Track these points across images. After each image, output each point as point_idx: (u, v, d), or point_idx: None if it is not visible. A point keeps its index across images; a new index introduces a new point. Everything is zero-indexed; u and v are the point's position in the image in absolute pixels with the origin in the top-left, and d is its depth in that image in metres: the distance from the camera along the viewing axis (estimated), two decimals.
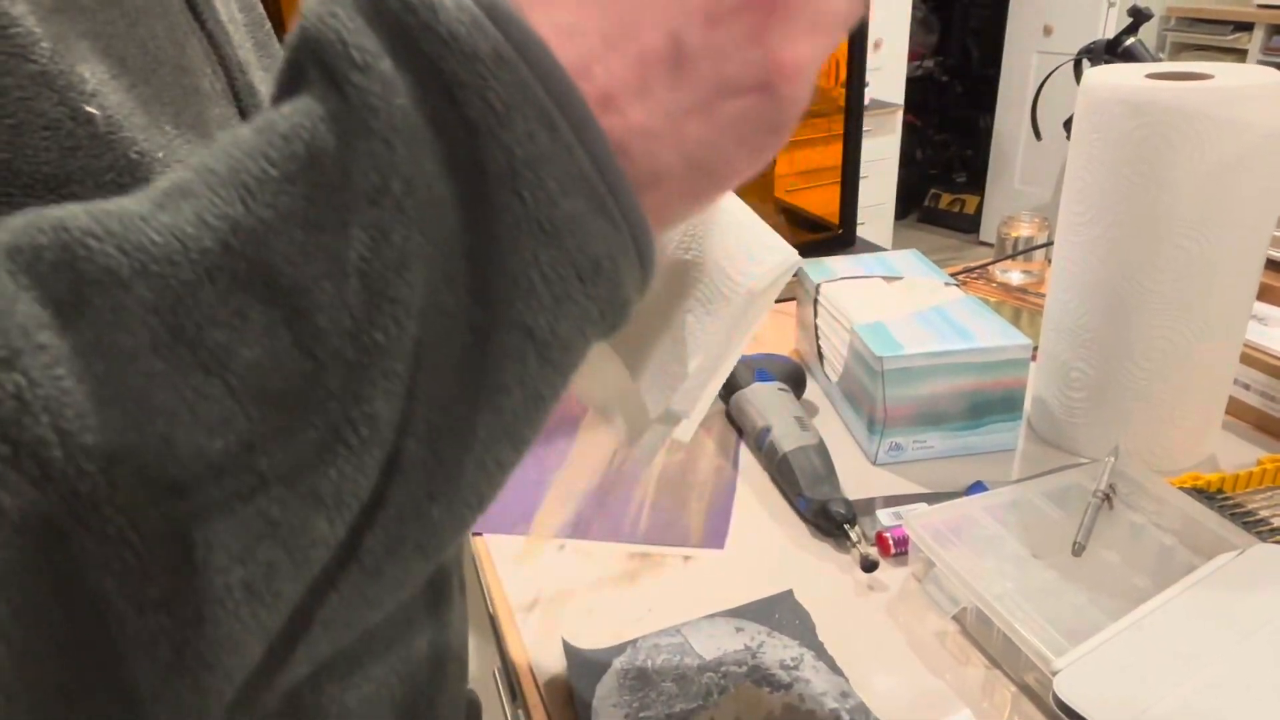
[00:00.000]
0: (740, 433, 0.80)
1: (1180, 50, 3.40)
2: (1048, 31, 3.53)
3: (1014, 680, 0.53)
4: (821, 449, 0.70)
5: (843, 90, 1.22)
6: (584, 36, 0.23)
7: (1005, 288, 1.09)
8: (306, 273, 0.20)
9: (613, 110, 0.23)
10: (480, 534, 0.69)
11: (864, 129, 1.27)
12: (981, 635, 0.55)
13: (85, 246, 0.19)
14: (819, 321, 0.85)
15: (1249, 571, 0.53)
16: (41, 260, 0.19)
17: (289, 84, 0.22)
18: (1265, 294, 0.79)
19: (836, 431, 0.79)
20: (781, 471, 0.70)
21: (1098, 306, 0.68)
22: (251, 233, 0.20)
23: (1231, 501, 0.65)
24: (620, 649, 0.54)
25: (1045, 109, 1.56)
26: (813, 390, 0.87)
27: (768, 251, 0.34)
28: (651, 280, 0.26)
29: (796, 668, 0.51)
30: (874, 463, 0.75)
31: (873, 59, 3.09)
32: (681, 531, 0.68)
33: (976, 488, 0.67)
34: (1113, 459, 0.63)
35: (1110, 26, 3.27)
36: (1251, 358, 0.75)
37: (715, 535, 0.68)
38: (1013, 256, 1.11)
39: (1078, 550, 0.57)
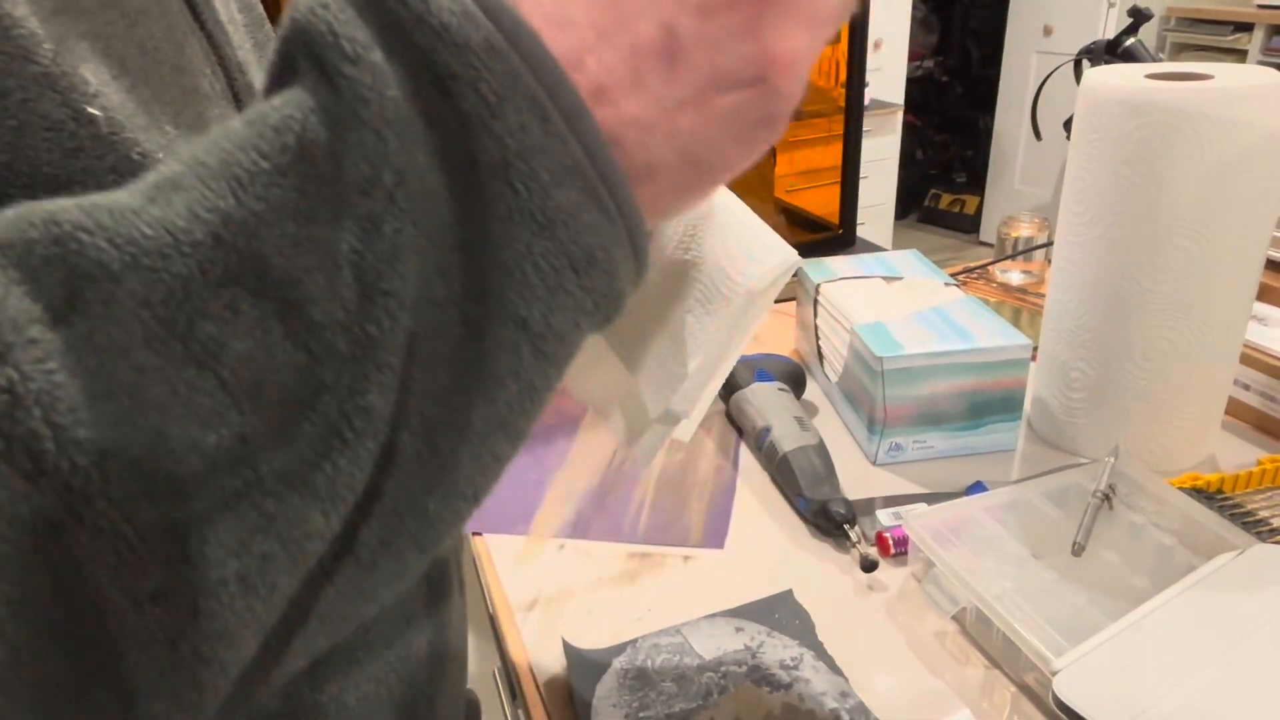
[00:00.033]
0: (740, 433, 0.80)
1: (1180, 50, 3.40)
2: (1048, 32, 3.53)
3: (1014, 680, 0.53)
4: (821, 449, 0.70)
5: (843, 90, 1.22)
6: (577, 27, 0.23)
7: (1005, 288, 1.09)
8: (298, 265, 0.20)
9: (605, 102, 0.23)
10: (480, 534, 0.69)
11: (864, 129, 1.27)
12: (981, 635, 0.55)
13: (76, 240, 0.19)
14: (819, 321, 0.85)
15: (1249, 572, 0.53)
16: (32, 254, 0.19)
17: (280, 75, 0.21)
18: (1265, 294, 0.79)
19: (836, 431, 0.79)
20: (781, 471, 0.70)
21: (1098, 306, 0.68)
22: (243, 225, 0.20)
23: (1231, 502, 0.65)
24: (620, 649, 0.54)
25: (1045, 109, 1.56)
26: (813, 390, 0.87)
27: (768, 251, 0.34)
28: (646, 272, 0.26)
29: (796, 668, 0.51)
30: (874, 463, 0.75)
31: (873, 59, 3.09)
32: (681, 531, 0.68)
33: (976, 488, 0.67)
34: (1112, 459, 0.63)
35: (1110, 27, 3.27)
36: (1251, 358, 0.75)
37: (715, 535, 0.67)
38: (1013, 257, 1.11)
39: (1077, 550, 0.57)
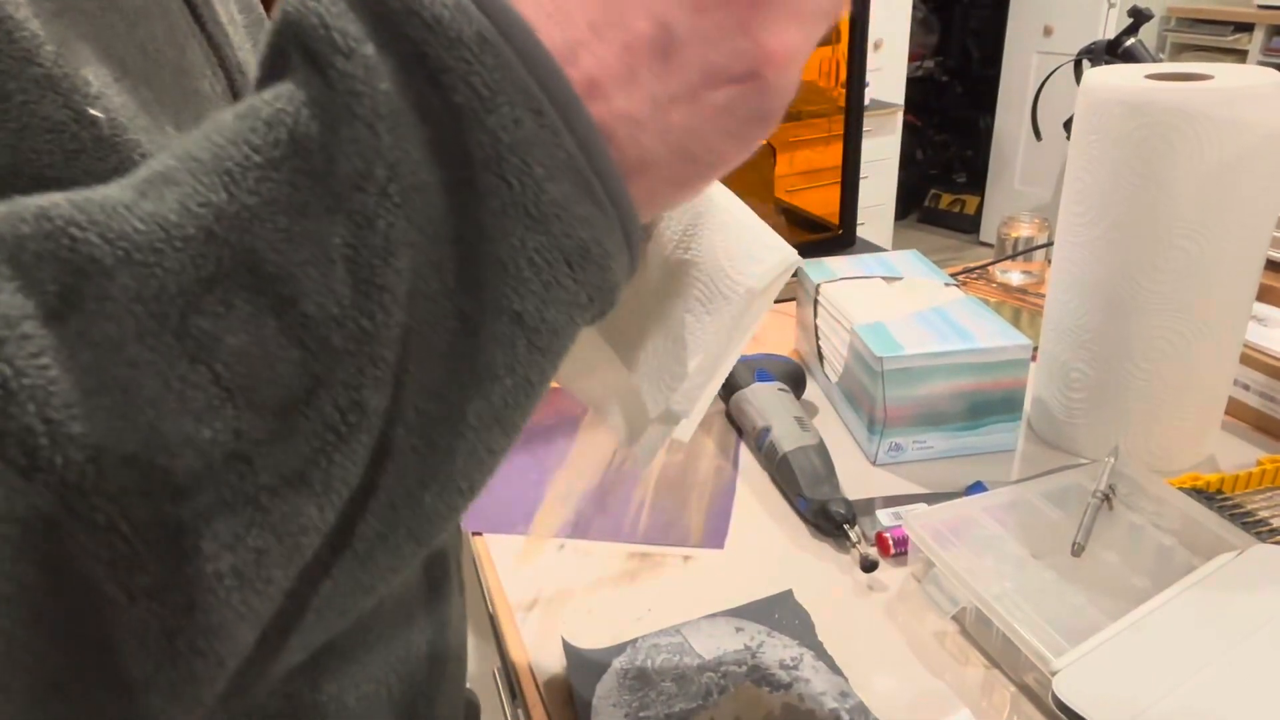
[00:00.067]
0: (740, 433, 0.80)
1: (1180, 51, 3.40)
2: (1048, 32, 3.53)
3: (1013, 680, 0.53)
4: (821, 449, 0.70)
5: (843, 90, 1.22)
6: (570, 21, 0.23)
7: (1005, 288, 1.09)
8: (291, 259, 0.20)
9: (598, 96, 0.23)
10: (480, 534, 0.69)
11: (864, 129, 1.27)
12: (981, 635, 0.55)
13: (68, 235, 0.19)
14: (819, 322, 0.85)
15: (1248, 572, 0.53)
16: (24, 250, 0.19)
17: (272, 69, 0.21)
18: (1265, 294, 0.79)
19: (836, 431, 0.79)
20: (781, 472, 0.70)
21: (1098, 307, 0.68)
22: (235, 219, 0.20)
23: (1231, 502, 0.65)
24: (620, 649, 0.54)
25: (1045, 109, 1.56)
26: (813, 390, 0.87)
27: (767, 251, 0.34)
28: (638, 266, 0.26)
29: (796, 667, 0.51)
30: (874, 463, 0.75)
31: (873, 59, 3.09)
32: (681, 531, 0.68)
33: (976, 488, 0.67)
34: (1112, 459, 0.63)
35: (1110, 27, 3.27)
36: (1251, 358, 0.75)
37: (715, 535, 0.67)
38: (1013, 257, 1.11)
39: (1077, 550, 0.57)
